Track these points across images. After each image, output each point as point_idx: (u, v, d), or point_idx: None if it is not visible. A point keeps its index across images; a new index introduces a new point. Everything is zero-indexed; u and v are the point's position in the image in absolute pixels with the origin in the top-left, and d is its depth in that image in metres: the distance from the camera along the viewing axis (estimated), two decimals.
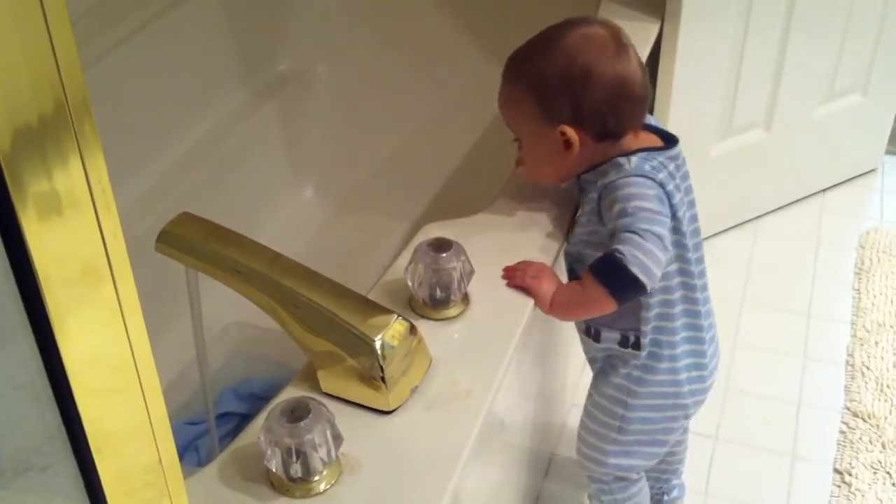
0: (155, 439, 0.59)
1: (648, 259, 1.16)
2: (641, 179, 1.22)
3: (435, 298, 1.21)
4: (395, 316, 1.09)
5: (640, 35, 1.85)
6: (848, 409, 1.85)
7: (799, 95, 2.18)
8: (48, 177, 0.47)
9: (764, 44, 2.04)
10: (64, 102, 0.47)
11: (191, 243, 1.14)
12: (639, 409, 1.37)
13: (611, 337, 1.34)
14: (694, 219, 1.31)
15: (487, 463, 1.33)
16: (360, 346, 1.06)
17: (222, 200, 1.83)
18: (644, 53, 1.82)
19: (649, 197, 1.20)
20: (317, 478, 0.99)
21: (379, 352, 1.05)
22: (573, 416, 1.82)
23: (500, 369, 1.16)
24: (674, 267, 1.27)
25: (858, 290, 2.13)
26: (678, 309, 1.30)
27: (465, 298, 1.24)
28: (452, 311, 1.23)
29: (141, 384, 0.56)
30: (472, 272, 1.22)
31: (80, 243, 0.50)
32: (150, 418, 0.58)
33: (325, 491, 1.00)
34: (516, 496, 1.55)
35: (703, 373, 1.37)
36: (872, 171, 2.51)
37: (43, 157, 0.46)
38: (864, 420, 1.82)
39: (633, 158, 1.24)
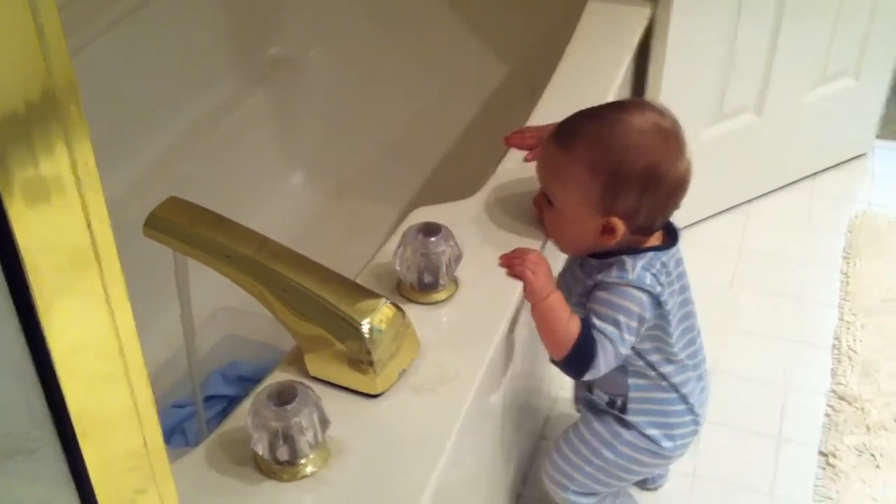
0: (141, 425, 0.59)
1: (605, 365, 1.27)
2: (637, 293, 1.27)
3: (423, 282, 1.21)
4: (383, 300, 1.09)
5: (632, 20, 1.86)
6: (834, 392, 1.87)
7: (790, 80, 2.19)
8: (34, 163, 0.47)
9: (756, 28, 2.05)
10: (51, 89, 0.47)
11: (179, 227, 1.14)
12: (625, 458, 1.43)
13: (600, 396, 1.43)
14: (686, 302, 1.36)
15: (474, 447, 1.33)
16: (348, 330, 1.07)
17: (212, 187, 1.83)
18: (636, 38, 1.82)
19: (634, 314, 1.27)
20: (304, 461, 1.00)
21: (367, 336, 1.06)
22: (560, 402, 1.83)
23: (487, 354, 1.16)
24: (656, 334, 1.33)
25: (847, 273, 2.14)
26: (667, 368, 1.37)
27: (454, 283, 1.25)
28: (441, 296, 1.23)
29: (127, 371, 0.57)
30: (460, 256, 1.23)
31: (67, 230, 0.49)
32: (136, 404, 0.58)
33: (312, 474, 1.00)
34: (503, 480, 1.56)
35: (696, 427, 1.45)
36: (863, 155, 2.52)
37: (29, 144, 0.46)
38: (849, 403, 1.83)
39: (638, 265, 1.27)
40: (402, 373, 1.12)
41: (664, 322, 1.31)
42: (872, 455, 1.73)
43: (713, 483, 1.72)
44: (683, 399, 1.40)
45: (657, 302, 1.28)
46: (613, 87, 1.69)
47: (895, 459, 1.72)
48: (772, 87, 2.16)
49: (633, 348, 1.33)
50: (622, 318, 1.26)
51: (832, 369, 1.92)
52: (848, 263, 2.17)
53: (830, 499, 1.67)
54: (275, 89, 2.14)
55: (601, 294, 1.28)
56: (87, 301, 0.52)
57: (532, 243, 1.32)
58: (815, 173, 2.45)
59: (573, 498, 1.49)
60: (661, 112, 1.28)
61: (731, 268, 2.18)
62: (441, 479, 1.02)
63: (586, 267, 1.34)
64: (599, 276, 1.29)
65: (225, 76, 2.07)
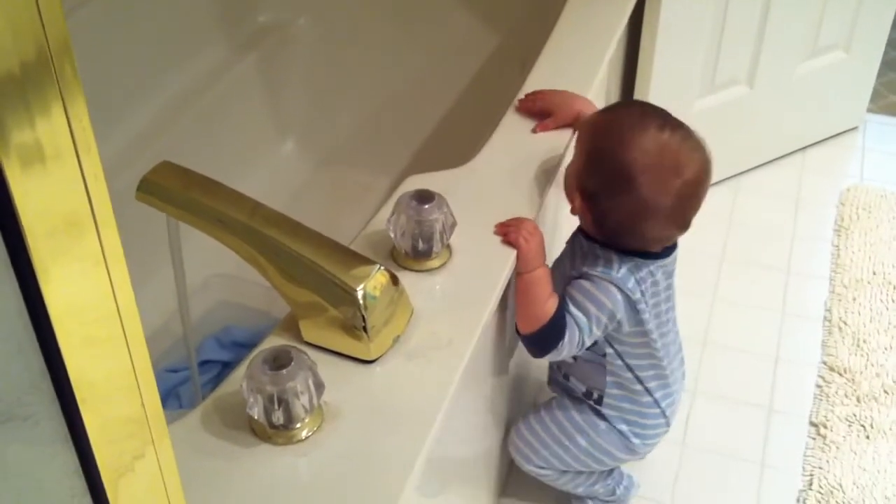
0: (139, 389, 0.59)
1: (567, 350, 1.30)
2: (615, 291, 1.29)
3: (417, 250, 1.21)
4: (377, 266, 1.09)
5: None
6: (825, 363, 1.88)
7: (782, 52, 2.18)
8: (31, 126, 0.46)
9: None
10: (46, 50, 0.46)
11: (171, 192, 1.13)
12: (597, 447, 1.46)
13: (578, 387, 1.46)
14: (669, 311, 1.40)
15: (467, 414, 1.34)
16: (342, 295, 1.06)
17: (202, 154, 1.81)
18: (628, 9, 1.81)
19: (606, 309, 1.30)
20: (299, 425, 1.00)
21: (361, 301, 1.06)
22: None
23: (481, 320, 1.16)
24: (637, 341, 1.37)
25: (838, 246, 2.15)
26: (645, 373, 1.40)
27: (448, 250, 1.25)
28: (434, 263, 1.23)
29: (125, 334, 0.56)
30: (454, 224, 1.22)
31: (64, 193, 0.49)
32: (133, 368, 0.58)
33: (306, 438, 1.00)
34: (495, 443, 1.56)
35: (666, 428, 1.48)
36: (854, 129, 2.52)
37: (25, 106, 0.46)
38: (840, 374, 1.84)
39: (624, 267, 1.30)
40: (397, 339, 1.12)
41: (644, 329, 1.34)
42: (862, 425, 1.74)
43: (704, 453, 1.72)
44: (657, 403, 1.44)
45: (634, 308, 1.31)
46: (605, 58, 1.68)
47: (885, 430, 1.73)
48: (763, 59, 2.15)
49: (614, 349, 1.37)
50: (593, 310, 1.29)
51: (823, 341, 1.93)
52: (839, 236, 2.17)
53: (821, 468, 1.68)
54: (264, 57, 2.12)
55: (582, 282, 1.31)
56: (84, 264, 0.52)
57: (525, 212, 1.31)
58: (805, 147, 2.45)
59: (536, 469, 1.52)
60: (684, 144, 1.27)
61: (722, 240, 2.19)
62: (434, 445, 1.03)
63: (577, 255, 1.36)
64: (585, 268, 1.32)
65: (213, 43, 2.05)
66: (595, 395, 1.45)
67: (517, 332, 1.34)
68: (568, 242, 1.41)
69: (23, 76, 0.45)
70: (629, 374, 1.40)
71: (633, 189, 1.24)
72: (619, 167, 1.24)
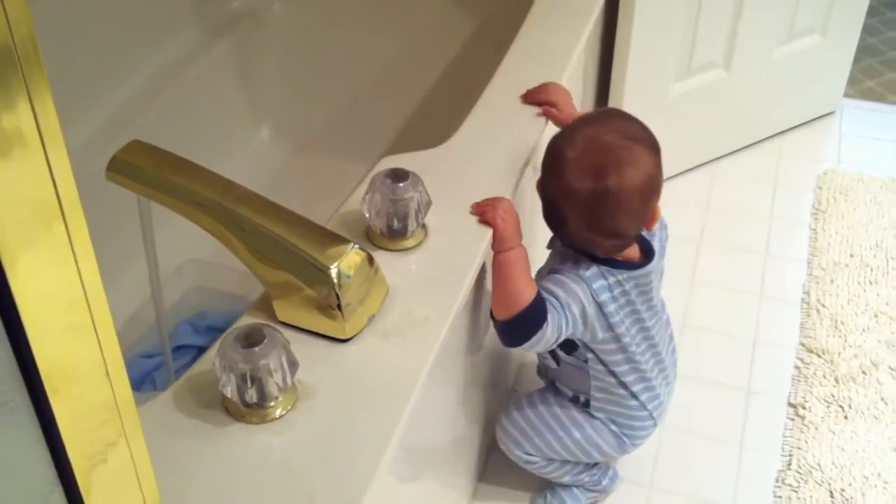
0: (109, 377, 0.59)
1: (546, 336, 1.27)
2: (583, 286, 1.30)
3: (392, 229, 1.20)
4: (352, 245, 1.08)
5: None
6: (803, 345, 1.88)
7: (758, 35, 2.18)
8: None
9: None
10: (10, 40, 0.46)
11: (142, 171, 1.12)
12: (589, 441, 1.47)
13: (565, 391, 1.48)
14: (651, 317, 1.40)
15: (444, 394, 1.33)
16: (316, 274, 1.05)
17: (175, 140, 1.77)
18: None
19: (577, 300, 1.29)
20: (272, 404, 0.99)
21: (335, 280, 1.04)
22: (531, 355, 1.82)
23: (456, 299, 1.15)
24: (613, 347, 1.37)
25: (815, 230, 2.15)
26: (627, 377, 1.40)
27: (423, 230, 1.24)
28: (410, 242, 1.22)
29: (94, 322, 0.56)
30: (429, 203, 1.21)
31: (30, 183, 0.49)
32: (104, 356, 0.58)
33: (281, 417, 0.99)
34: (473, 428, 1.55)
35: (654, 427, 1.49)
36: (831, 113, 2.52)
37: None
38: (818, 356, 1.84)
39: (594, 267, 1.31)
40: (372, 318, 1.11)
41: (616, 333, 1.34)
42: (841, 406, 1.74)
43: (683, 434, 1.72)
44: (643, 406, 1.44)
45: (601, 311, 1.31)
46: (581, 42, 1.68)
47: (863, 410, 1.73)
48: (739, 42, 2.15)
49: (595, 355, 1.37)
50: (562, 295, 1.29)
51: (801, 323, 1.93)
52: (816, 219, 2.18)
53: (799, 448, 1.68)
54: (238, 42, 2.10)
55: (553, 275, 1.32)
56: (52, 254, 0.52)
57: (501, 192, 1.31)
58: (782, 131, 2.45)
59: (524, 456, 1.51)
60: (620, 168, 1.25)
61: (700, 224, 2.19)
62: (410, 426, 1.02)
63: (555, 260, 1.37)
64: (556, 266, 1.33)
65: (187, 28, 2.02)
66: (582, 399, 1.46)
67: (493, 320, 1.32)
68: (549, 256, 1.42)
69: None
70: (612, 379, 1.40)
71: (557, 174, 1.27)
72: (553, 154, 1.28)
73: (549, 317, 1.26)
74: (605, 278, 1.31)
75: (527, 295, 1.26)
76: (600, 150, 1.24)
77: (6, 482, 0.56)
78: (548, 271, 1.35)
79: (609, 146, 1.24)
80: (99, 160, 1.16)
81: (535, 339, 1.27)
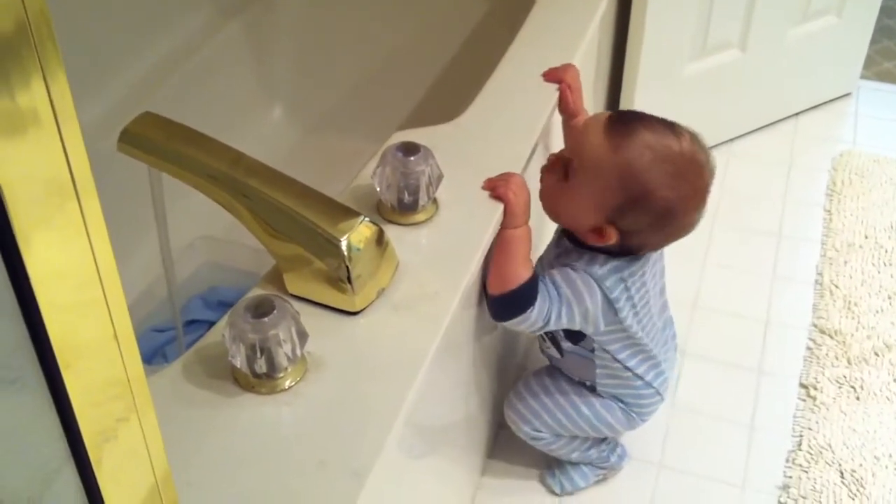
0: (121, 353, 0.59)
1: (532, 320, 1.27)
2: (595, 286, 1.29)
3: (403, 202, 1.20)
4: (362, 217, 1.08)
5: None
6: (815, 326, 1.87)
7: (773, 15, 2.16)
8: (10, 95, 0.46)
9: None
10: (24, 19, 0.46)
11: (153, 142, 1.12)
12: (598, 418, 1.47)
13: (570, 378, 1.48)
14: (662, 293, 1.44)
15: (453, 369, 1.33)
16: (327, 247, 1.05)
17: (188, 119, 1.79)
18: None
19: (583, 303, 1.29)
20: (282, 374, 0.99)
21: (345, 252, 1.05)
22: None
23: (467, 273, 1.15)
24: (618, 335, 1.37)
25: (830, 210, 2.14)
26: (632, 360, 1.40)
27: (434, 204, 1.24)
28: (420, 216, 1.22)
29: (106, 299, 0.57)
30: (440, 177, 1.21)
31: (44, 161, 0.49)
32: (115, 332, 0.58)
33: (290, 388, 0.99)
34: (482, 404, 1.56)
35: (661, 401, 1.49)
36: (847, 95, 2.51)
37: (5, 76, 0.46)
38: (830, 337, 1.83)
39: (608, 265, 1.30)
40: (382, 291, 1.11)
41: (623, 325, 1.34)
42: (853, 387, 1.74)
43: (694, 414, 1.72)
44: (649, 384, 1.44)
45: (611, 307, 1.31)
46: (594, 21, 1.67)
47: (875, 391, 1.73)
48: (755, 22, 2.14)
49: (600, 345, 1.38)
50: (566, 291, 1.29)
51: (814, 304, 1.92)
52: (831, 200, 2.17)
53: (810, 429, 1.67)
54: (250, 21, 2.09)
55: (566, 269, 1.31)
56: (65, 231, 0.52)
57: (512, 168, 1.30)
58: (798, 113, 2.44)
59: (532, 433, 1.51)
60: (707, 157, 1.30)
61: (714, 204, 2.17)
62: (420, 401, 1.02)
63: (560, 250, 1.36)
64: (568, 261, 1.32)
65: (199, 8, 2.01)
66: (588, 384, 1.46)
67: (484, 290, 1.31)
68: (552, 244, 1.41)
69: (1, 47, 0.45)
70: (617, 364, 1.40)
71: (672, 221, 1.28)
72: (663, 208, 1.26)
73: (538, 302, 1.26)
74: (620, 273, 1.31)
75: (522, 276, 1.26)
76: (705, 147, 1.30)
77: (19, 456, 0.57)
78: (559, 263, 1.34)
79: (705, 181, 1.31)
80: (111, 139, 1.16)
81: (518, 319, 1.27)
